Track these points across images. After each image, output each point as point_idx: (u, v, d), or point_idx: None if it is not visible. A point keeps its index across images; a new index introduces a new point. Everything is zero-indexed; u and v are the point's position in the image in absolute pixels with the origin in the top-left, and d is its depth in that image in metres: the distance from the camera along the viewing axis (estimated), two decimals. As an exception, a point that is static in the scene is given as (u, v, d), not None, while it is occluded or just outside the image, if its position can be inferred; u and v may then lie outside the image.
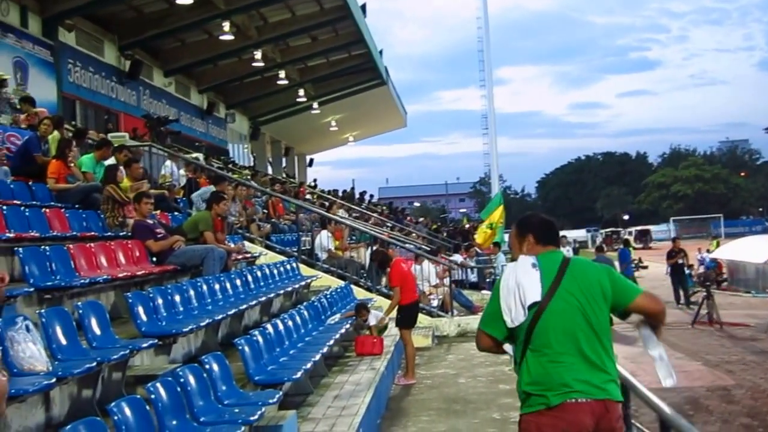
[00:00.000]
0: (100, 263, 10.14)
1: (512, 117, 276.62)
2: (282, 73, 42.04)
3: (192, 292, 10.31)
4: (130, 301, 8.55)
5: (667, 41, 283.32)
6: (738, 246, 39.80)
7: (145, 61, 34.66)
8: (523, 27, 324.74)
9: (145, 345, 7.77)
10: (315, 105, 50.57)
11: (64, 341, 6.88)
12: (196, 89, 41.93)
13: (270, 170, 53.58)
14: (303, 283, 16.39)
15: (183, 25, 33.23)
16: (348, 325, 13.43)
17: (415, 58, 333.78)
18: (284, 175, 51.32)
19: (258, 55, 37.47)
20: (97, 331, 7.58)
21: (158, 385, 6.20)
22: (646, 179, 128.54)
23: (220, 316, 9.93)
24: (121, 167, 14.22)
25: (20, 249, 8.62)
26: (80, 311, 7.50)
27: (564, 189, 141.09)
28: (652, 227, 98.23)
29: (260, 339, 9.18)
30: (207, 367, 7.31)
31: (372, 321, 13.80)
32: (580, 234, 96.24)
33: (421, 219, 53.14)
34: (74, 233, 11.18)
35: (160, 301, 9.17)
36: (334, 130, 58.72)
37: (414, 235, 33.19)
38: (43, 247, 9.17)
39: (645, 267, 46.09)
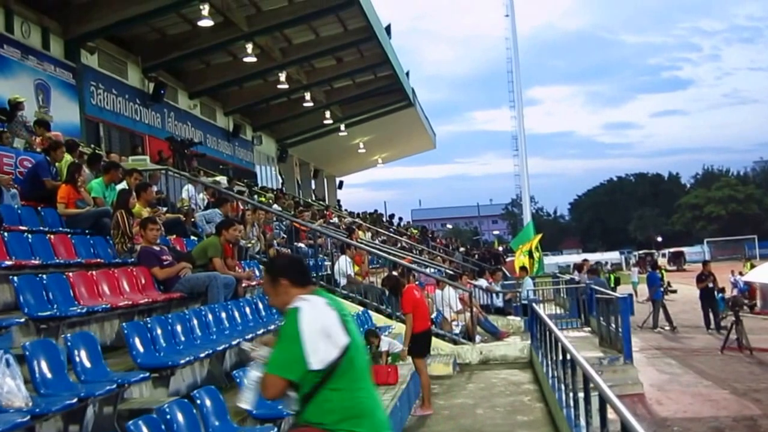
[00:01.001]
0: (102, 291, 9.84)
1: (545, 137, 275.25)
2: (308, 95, 41.92)
3: (195, 321, 9.97)
4: (126, 331, 8.24)
5: (699, 60, 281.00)
6: (771, 268, 39.09)
7: (169, 83, 34.67)
8: (554, 47, 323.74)
9: (135, 379, 7.44)
10: (342, 127, 50.45)
11: (49, 375, 6.58)
12: (222, 111, 41.91)
13: (299, 192, 53.41)
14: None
15: (206, 47, 33.18)
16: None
17: (448, 79, 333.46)
18: (313, 198, 51.15)
19: (283, 77, 37.36)
20: (87, 363, 7.27)
21: (140, 423, 5.87)
22: (679, 200, 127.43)
23: (222, 347, 9.57)
24: (134, 192, 13.93)
25: (15, 278, 8.33)
26: (69, 343, 7.18)
27: (597, 210, 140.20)
28: (685, 249, 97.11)
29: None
30: (198, 402, 6.97)
31: (384, 347, 13.42)
32: (613, 256, 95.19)
33: (446, 242, 52.52)
34: (79, 260, 10.90)
35: (159, 330, 8.84)
36: (362, 152, 58.61)
37: (439, 258, 32.72)
38: (41, 275, 8.88)
39: (674, 291, 45.34)
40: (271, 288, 4.98)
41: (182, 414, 6.51)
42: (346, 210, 47.48)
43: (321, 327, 4.57)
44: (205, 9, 27.99)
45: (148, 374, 7.75)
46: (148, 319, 9.09)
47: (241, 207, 19.71)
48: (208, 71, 37.64)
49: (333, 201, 59.19)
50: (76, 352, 7.20)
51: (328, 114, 47.02)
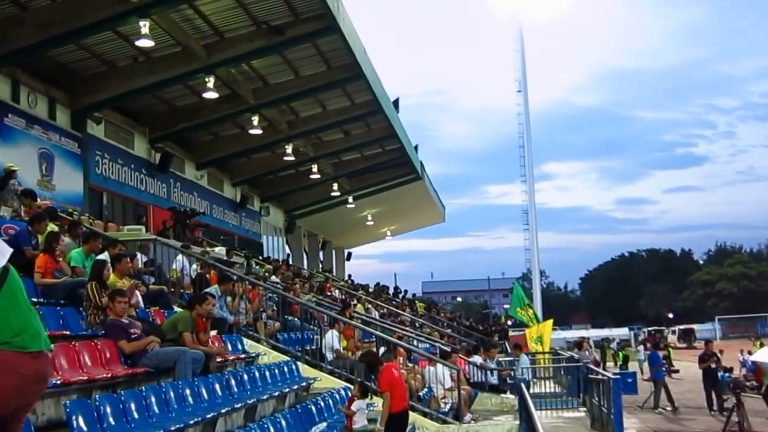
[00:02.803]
0: (59, 366, 9.61)
1: (558, 212, 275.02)
2: (315, 167, 42.09)
3: (153, 398, 9.74)
4: (68, 410, 8.00)
5: (714, 137, 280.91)
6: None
7: (176, 154, 34.89)
8: (569, 122, 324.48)
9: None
10: (350, 199, 50.58)
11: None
12: (229, 182, 42.08)
13: (307, 264, 53.36)
14: (298, 385, 15.71)
15: (213, 119, 33.43)
16: (336, 430, 12.78)
17: (462, 153, 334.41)
18: (320, 269, 51.06)
19: (289, 149, 37.54)
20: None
21: None
22: (691, 276, 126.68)
23: (174, 427, 9.29)
24: (109, 263, 13.78)
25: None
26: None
27: (607, 285, 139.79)
28: (696, 326, 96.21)
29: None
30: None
31: (357, 423, 13.11)
32: (622, 332, 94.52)
33: (452, 316, 52.10)
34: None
35: (108, 408, 8.60)
36: (371, 224, 58.68)
37: (436, 333, 32.40)
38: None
39: (676, 371, 44.66)
40: None
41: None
42: (346, 282, 47.18)
43: None
44: (210, 81, 28.18)
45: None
46: (96, 395, 8.84)
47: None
48: (216, 142, 37.87)
49: (341, 272, 59.07)
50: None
51: (335, 186, 47.19)
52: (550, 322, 33.33)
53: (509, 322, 42.11)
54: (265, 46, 27.92)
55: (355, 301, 31.64)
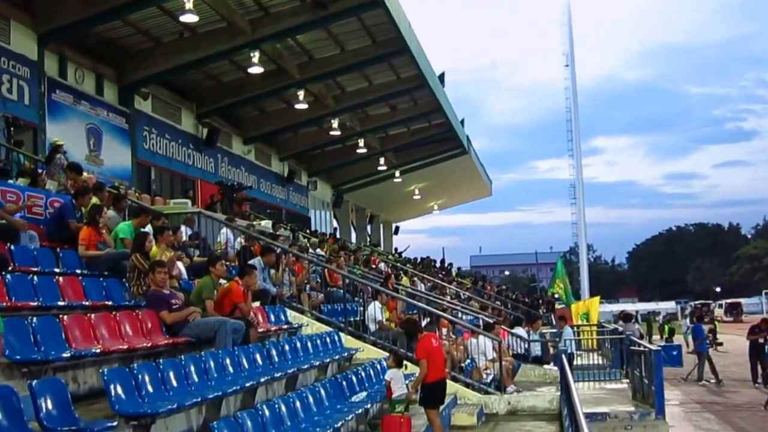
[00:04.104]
0: (100, 335, 9.80)
1: (607, 187, 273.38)
2: (361, 142, 42.13)
3: (192, 368, 9.89)
4: (106, 378, 8.15)
5: (763, 112, 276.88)
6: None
7: (223, 129, 35.06)
8: (618, 97, 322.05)
9: (99, 428, 7.34)
10: (397, 173, 50.58)
11: (5, 422, 6.50)
12: (276, 157, 42.27)
13: (354, 238, 53.54)
14: (340, 356, 15.86)
15: (259, 94, 33.59)
16: (370, 405, 12.88)
17: (511, 128, 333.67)
18: (368, 243, 51.20)
19: (335, 123, 37.54)
20: (54, 411, 7.18)
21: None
22: (739, 251, 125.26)
23: (213, 395, 9.45)
24: (151, 236, 13.96)
25: (-2, 319, 8.33)
26: (34, 390, 7.11)
27: (655, 260, 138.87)
28: (743, 300, 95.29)
29: (248, 422, 8.67)
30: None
31: (396, 392, 13.20)
32: (669, 306, 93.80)
33: (498, 289, 51.97)
34: (83, 302, 10.90)
35: (146, 377, 8.76)
36: (418, 198, 58.63)
37: (477, 305, 32.42)
38: (30, 317, 8.87)
39: (720, 344, 44.20)
40: None
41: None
42: (393, 255, 47.27)
43: None
44: (256, 57, 28.28)
45: (115, 422, 7.64)
46: (135, 365, 9.00)
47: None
48: (262, 117, 38.05)
49: (389, 246, 59.17)
50: (40, 400, 7.13)
51: (382, 160, 47.25)
52: (597, 299, 33.17)
53: (556, 296, 41.80)
54: (310, 20, 27.94)
55: (401, 274, 31.77)
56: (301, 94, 33.16)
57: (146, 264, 12.45)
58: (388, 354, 17.02)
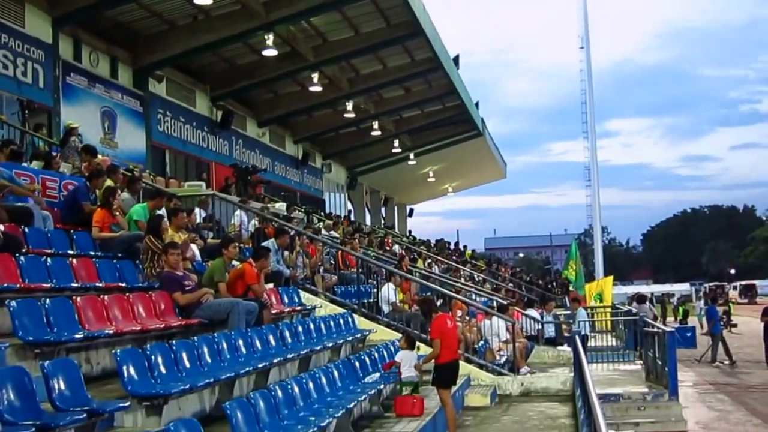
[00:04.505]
0: (113, 316, 9.85)
1: (621, 169, 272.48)
2: (376, 124, 42.06)
3: (205, 349, 9.93)
4: (118, 358, 8.19)
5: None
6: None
7: (237, 112, 35.13)
8: (633, 80, 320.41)
9: (112, 408, 7.39)
10: (411, 156, 50.54)
11: (17, 403, 6.54)
12: (291, 139, 42.34)
13: (368, 220, 53.58)
14: (353, 337, 15.91)
15: (274, 77, 33.55)
16: (383, 386, 12.92)
17: (526, 110, 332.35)
18: (382, 225, 51.22)
19: (350, 106, 37.49)
20: (66, 391, 7.22)
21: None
22: (753, 233, 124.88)
23: (226, 375, 9.49)
24: (165, 218, 14.00)
25: (12, 301, 8.38)
26: (46, 370, 7.15)
27: (670, 242, 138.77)
28: (757, 282, 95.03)
29: (261, 402, 8.70)
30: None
31: (405, 373, 13.25)
32: (683, 288, 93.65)
33: (512, 271, 51.95)
34: (96, 284, 10.96)
35: (159, 358, 8.80)
36: (432, 180, 58.63)
37: (490, 287, 32.45)
38: (43, 299, 8.92)
39: (734, 325, 44.11)
40: None
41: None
42: (407, 237, 47.32)
43: None
44: (270, 39, 28.23)
45: (127, 403, 7.69)
46: (147, 345, 9.03)
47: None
48: (277, 100, 38.05)
49: (403, 228, 59.22)
50: (54, 380, 7.14)
51: (396, 143, 47.22)
52: (610, 278, 33.15)
53: (570, 278, 41.83)
54: (324, 2, 27.92)
55: (416, 256, 31.80)
56: (315, 76, 33.11)
57: (160, 246, 12.49)
58: (401, 335, 17.11)
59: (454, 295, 21.04)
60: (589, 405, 9.32)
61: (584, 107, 52.41)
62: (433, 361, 12.94)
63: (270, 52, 29.35)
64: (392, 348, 15.62)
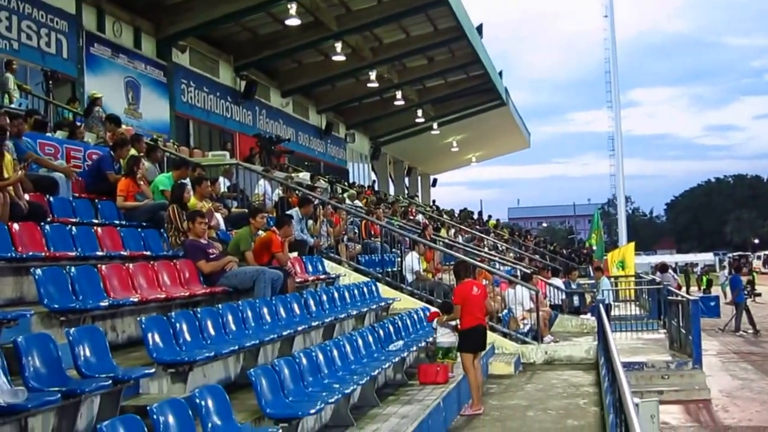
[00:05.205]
0: (138, 285, 9.89)
1: (645, 139, 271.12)
2: (399, 94, 41.93)
3: (230, 316, 9.97)
4: (144, 326, 8.24)
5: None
6: None
7: (261, 82, 35.14)
8: (658, 49, 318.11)
9: (137, 374, 7.42)
10: (435, 126, 50.42)
11: (43, 369, 6.59)
12: (314, 109, 42.32)
13: (392, 190, 53.59)
14: (377, 305, 15.94)
15: (297, 46, 33.49)
16: (407, 354, 12.97)
17: (549, 81, 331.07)
18: (405, 195, 51.22)
19: (373, 75, 37.39)
20: (92, 358, 7.26)
21: (117, 423, 5.79)
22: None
23: (250, 343, 9.53)
24: (189, 186, 14.02)
25: (37, 269, 8.42)
26: (71, 337, 7.19)
27: (693, 211, 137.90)
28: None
29: (286, 369, 8.74)
30: (198, 401, 6.90)
31: (440, 338, 13.35)
32: (707, 258, 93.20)
33: (536, 241, 51.88)
34: (121, 252, 11.01)
35: (184, 325, 8.84)
36: (456, 150, 58.48)
37: (513, 256, 32.47)
38: (68, 267, 8.97)
39: (758, 294, 43.90)
40: None
41: (173, 414, 6.40)
42: (431, 207, 47.27)
43: None
44: (293, 8, 28.12)
45: (153, 369, 7.74)
46: (172, 313, 9.06)
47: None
48: (300, 70, 37.99)
49: (426, 199, 59.17)
50: (79, 347, 7.17)
51: (420, 113, 47.11)
52: (632, 245, 32.99)
53: (594, 247, 41.80)
54: (346, -29, 27.79)
55: (440, 226, 31.80)
56: (338, 46, 32.98)
57: (184, 215, 12.52)
58: (425, 304, 17.21)
59: (479, 264, 21.01)
60: (613, 373, 9.30)
61: (608, 76, 52.28)
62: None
63: (293, 22, 29.28)
64: (416, 316, 15.70)
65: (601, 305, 16.79)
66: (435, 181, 66.87)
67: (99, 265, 9.50)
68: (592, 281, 27.70)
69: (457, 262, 15.97)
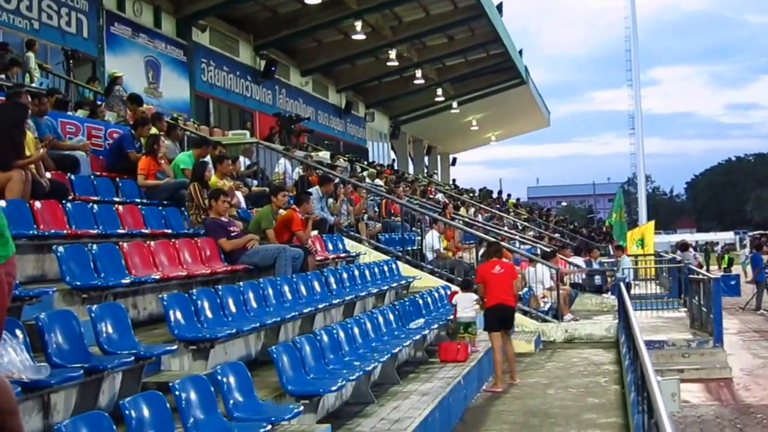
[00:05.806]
0: (159, 262, 9.92)
1: (665, 117, 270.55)
2: (419, 73, 41.80)
3: (251, 294, 10.00)
4: (165, 303, 8.27)
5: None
6: None
7: (281, 61, 35.08)
8: (678, 27, 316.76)
9: (158, 351, 7.45)
10: (454, 104, 50.33)
11: (65, 346, 6.62)
12: (334, 88, 42.25)
13: (411, 169, 53.53)
14: (398, 284, 15.96)
15: (317, 25, 33.37)
16: (427, 332, 13.01)
17: (569, 59, 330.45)
18: (425, 174, 51.16)
19: (393, 54, 37.30)
20: (114, 335, 7.30)
21: (140, 399, 5.83)
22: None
23: (272, 320, 9.55)
24: (210, 165, 14.08)
25: (59, 247, 8.45)
26: (93, 314, 7.22)
27: (714, 190, 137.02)
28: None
29: (307, 346, 8.77)
30: (220, 378, 6.93)
31: (460, 313, 13.40)
32: (728, 236, 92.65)
33: (556, 220, 51.78)
34: (143, 230, 11.05)
35: (205, 303, 8.87)
36: (475, 129, 58.36)
37: (533, 235, 32.44)
38: (90, 244, 9.01)
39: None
40: None
41: (195, 390, 6.43)
42: (450, 186, 47.23)
43: None
44: (312, -14, 28.08)
45: (174, 346, 7.76)
46: (194, 291, 9.10)
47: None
48: (320, 49, 37.89)
49: (446, 177, 59.09)
50: (101, 324, 7.21)
51: (440, 91, 46.94)
52: (652, 223, 32.92)
53: (612, 226, 41.84)
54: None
55: (460, 205, 31.77)
56: (358, 24, 32.86)
57: (205, 193, 12.56)
58: (446, 283, 17.22)
59: (498, 242, 21.00)
60: (635, 350, 9.28)
61: (628, 55, 51.98)
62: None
63: (313, 0, 29.21)
64: (437, 294, 15.72)
65: (621, 283, 16.77)
66: (454, 160, 66.78)
67: (120, 243, 9.54)
68: (613, 260, 27.63)
69: (489, 243, 16.06)
